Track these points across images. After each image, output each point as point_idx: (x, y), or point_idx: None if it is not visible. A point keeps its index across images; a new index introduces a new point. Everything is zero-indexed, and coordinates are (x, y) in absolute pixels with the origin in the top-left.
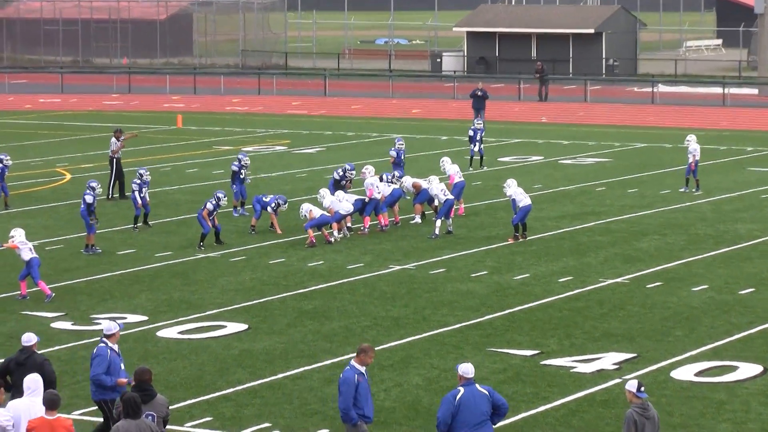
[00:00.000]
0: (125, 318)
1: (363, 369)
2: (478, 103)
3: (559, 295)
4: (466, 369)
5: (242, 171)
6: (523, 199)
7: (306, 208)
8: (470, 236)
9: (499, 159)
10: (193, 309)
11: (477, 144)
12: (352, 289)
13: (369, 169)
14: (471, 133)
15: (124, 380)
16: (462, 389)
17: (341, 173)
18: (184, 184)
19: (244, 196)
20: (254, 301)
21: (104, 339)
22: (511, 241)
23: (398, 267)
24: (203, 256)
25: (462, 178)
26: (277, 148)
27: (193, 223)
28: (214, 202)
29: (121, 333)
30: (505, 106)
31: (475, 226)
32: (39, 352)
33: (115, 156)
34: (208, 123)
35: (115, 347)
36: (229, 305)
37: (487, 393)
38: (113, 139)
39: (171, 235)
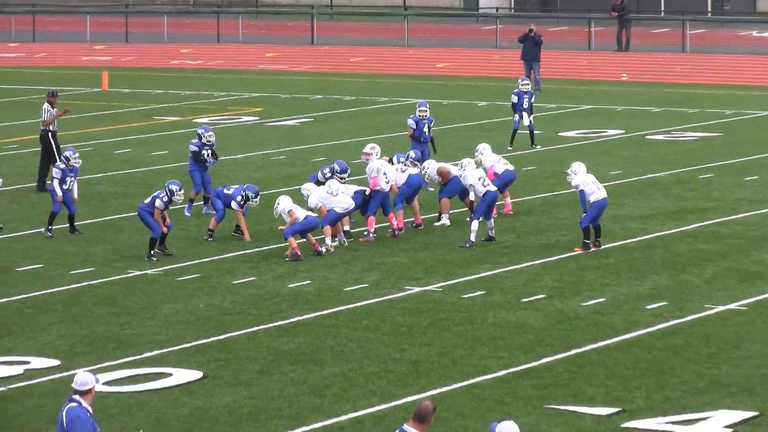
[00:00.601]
0: (28, 363)
1: None
2: (531, 52)
3: (648, 329)
4: (508, 429)
5: (204, 152)
6: (596, 191)
7: (284, 205)
8: (520, 244)
9: (560, 134)
10: (124, 349)
11: (524, 113)
12: (352, 321)
13: (374, 149)
14: (514, 98)
15: None
16: None
17: (328, 173)
18: (112, 170)
19: (208, 190)
20: (212, 339)
21: (75, 397)
22: (579, 251)
23: (418, 288)
24: (138, 273)
25: (510, 167)
26: (245, 118)
27: (125, 226)
28: (164, 197)
29: (25, 384)
30: (569, 58)
31: (527, 230)
32: None
33: (49, 128)
34: (146, 83)
35: (90, 409)
36: (175, 344)
37: None
38: (46, 106)
39: (93, 244)
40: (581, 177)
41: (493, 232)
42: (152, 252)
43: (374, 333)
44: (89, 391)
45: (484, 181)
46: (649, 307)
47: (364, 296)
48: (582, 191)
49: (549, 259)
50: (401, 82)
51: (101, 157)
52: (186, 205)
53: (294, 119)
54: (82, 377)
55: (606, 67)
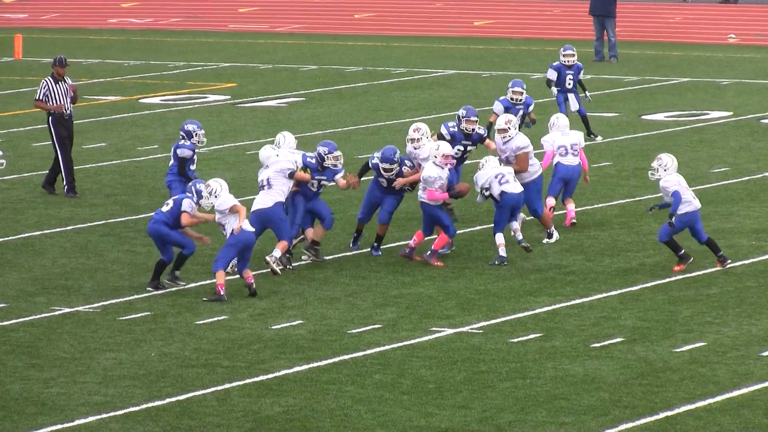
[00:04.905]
0: None
1: None
2: (603, 4)
3: (764, 383)
4: None
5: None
6: (692, 201)
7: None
8: (590, 269)
9: (643, 117)
10: (48, 414)
11: (570, 95)
12: (359, 375)
13: (422, 132)
14: (552, 74)
15: None
16: None
17: (316, 159)
18: (30, 170)
19: None
20: (168, 400)
21: None
22: (680, 269)
23: (450, 330)
24: (67, 311)
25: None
26: (211, 98)
27: (48, 247)
28: (192, 195)
29: None
30: (655, 12)
31: (599, 250)
32: None
33: (60, 111)
34: (74, 50)
35: None
36: (118, 407)
37: None
38: (49, 81)
39: (4, 271)
40: (671, 178)
41: (520, 235)
42: (177, 273)
43: (390, 391)
44: None
45: (502, 177)
46: (765, 354)
47: (377, 341)
48: (675, 192)
49: (629, 290)
50: (425, 47)
51: (14, 152)
52: None
53: (278, 99)
54: None
55: (707, 25)
